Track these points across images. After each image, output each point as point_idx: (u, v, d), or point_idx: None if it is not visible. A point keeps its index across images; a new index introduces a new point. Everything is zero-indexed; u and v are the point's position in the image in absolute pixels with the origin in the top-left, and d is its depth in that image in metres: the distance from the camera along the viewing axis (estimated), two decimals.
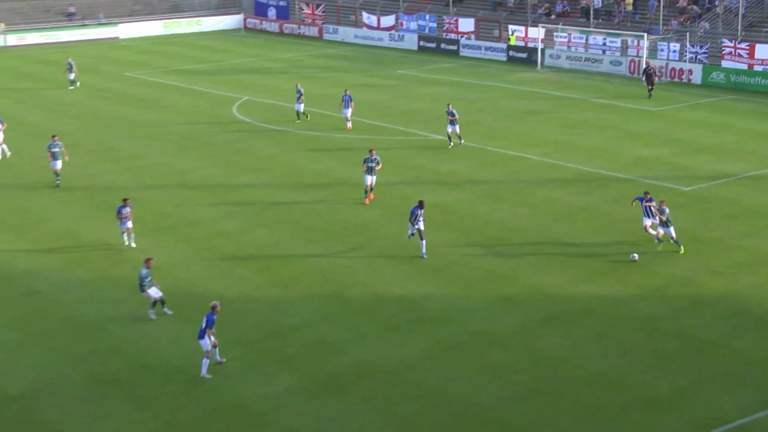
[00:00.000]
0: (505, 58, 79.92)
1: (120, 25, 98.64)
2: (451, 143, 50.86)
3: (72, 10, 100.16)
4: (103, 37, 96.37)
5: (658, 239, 36.03)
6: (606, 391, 25.99)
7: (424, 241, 35.22)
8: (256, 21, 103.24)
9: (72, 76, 70.28)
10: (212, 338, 27.11)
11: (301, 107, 57.67)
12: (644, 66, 66.93)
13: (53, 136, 45.19)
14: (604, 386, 26.22)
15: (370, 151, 41.77)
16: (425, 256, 35.12)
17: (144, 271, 30.61)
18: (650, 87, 63.19)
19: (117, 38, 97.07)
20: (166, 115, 60.95)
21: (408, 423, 24.64)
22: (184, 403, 25.76)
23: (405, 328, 30.03)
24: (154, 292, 30.73)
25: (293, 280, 33.87)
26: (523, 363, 27.55)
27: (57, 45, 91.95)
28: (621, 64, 72.66)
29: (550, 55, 76.82)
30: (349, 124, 55.49)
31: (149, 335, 29.60)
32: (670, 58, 70.82)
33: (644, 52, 70.13)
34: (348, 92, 55.82)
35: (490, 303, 31.59)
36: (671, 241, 35.42)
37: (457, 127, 50.32)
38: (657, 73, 65.22)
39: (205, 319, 27.12)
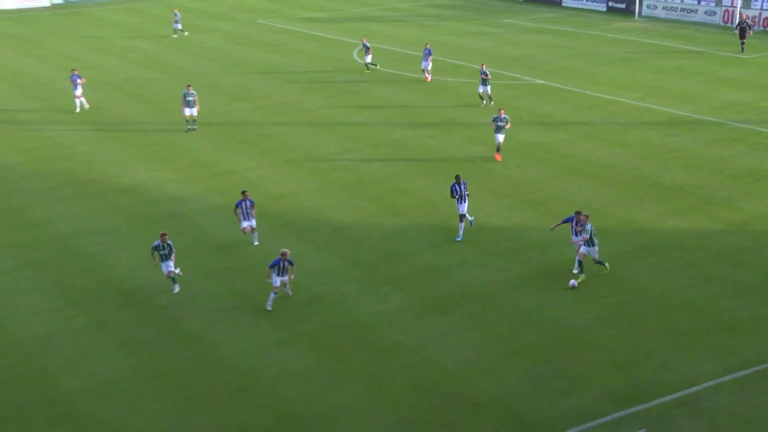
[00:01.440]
0: (604, 9, 77.91)
1: None
2: (483, 102, 47.66)
3: None
4: None
5: (579, 265, 28.00)
6: (690, 317, 25.59)
7: (462, 224, 31.34)
8: None
9: (179, 26, 70.88)
10: (283, 277, 26.64)
11: (369, 58, 56.45)
12: (738, 19, 64.45)
13: (188, 86, 45.09)
14: (689, 313, 25.82)
15: (499, 110, 39.48)
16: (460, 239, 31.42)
17: (155, 243, 27.73)
18: (743, 41, 60.75)
19: None
20: (294, 59, 61.28)
21: (505, 340, 24.70)
22: (305, 317, 26.25)
23: (505, 255, 29.96)
24: (165, 267, 27.78)
25: (405, 210, 34.01)
26: (613, 289, 27.26)
27: None
28: (715, 14, 70.18)
29: (648, 6, 74.60)
30: (428, 76, 53.57)
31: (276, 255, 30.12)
32: (763, 7, 68.07)
33: (738, 2, 67.55)
34: (428, 46, 54.09)
35: None
36: (594, 262, 28.15)
37: (489, 87, 47.06)
38: (750, 27, 62.72)
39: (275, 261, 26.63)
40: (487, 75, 46.93)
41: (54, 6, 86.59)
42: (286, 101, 50.32)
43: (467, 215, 31.43)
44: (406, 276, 28.66)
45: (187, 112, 44.45)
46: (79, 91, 48.42)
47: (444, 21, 75.64)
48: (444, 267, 29.17)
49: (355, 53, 62.45)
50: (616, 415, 21.26)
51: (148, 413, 21.88)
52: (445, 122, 44.99)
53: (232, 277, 28.90)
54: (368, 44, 56.90)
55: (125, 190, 36.99)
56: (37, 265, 30.00)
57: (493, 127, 39.12)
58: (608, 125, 43.98)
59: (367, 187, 36.66)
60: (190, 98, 44.35)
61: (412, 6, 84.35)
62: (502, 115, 38.82)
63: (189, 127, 44.75)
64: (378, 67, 56.89)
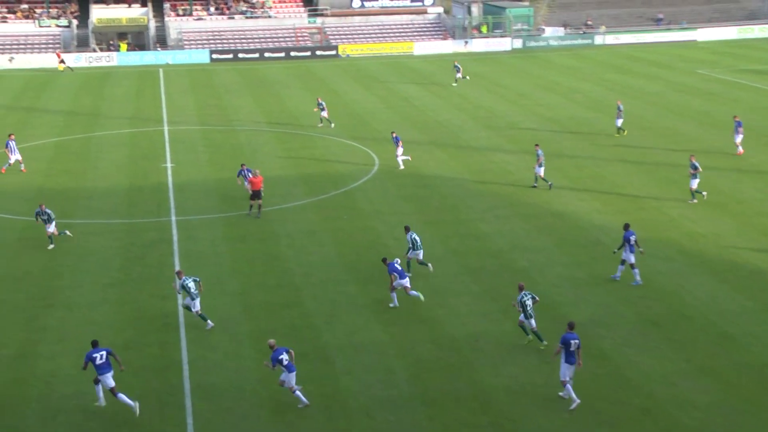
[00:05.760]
0: None
1: (698, 29, 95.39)
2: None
3: (660, 16, 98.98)
4: (682, 40, 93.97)
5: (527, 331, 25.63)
6: None
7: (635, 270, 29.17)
8: None
9: (460, 75, 70.00)
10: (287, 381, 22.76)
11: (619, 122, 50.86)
12: None
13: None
14: None
15: None
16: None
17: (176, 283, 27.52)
18: None
19: (694, 41, 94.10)
20: (729, 108, 58.05)
21: None
22: (714, 353, 24.71)
23: None
24: (190, 303, 27.00)
25: None
26: None
27: (642, 45, 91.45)
28: None
29: None
30: (739, 149, 45.95)
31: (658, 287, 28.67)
32: None
33: None
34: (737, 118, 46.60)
35: None
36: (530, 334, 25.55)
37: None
38: None
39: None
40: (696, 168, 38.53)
41: (514, 50, 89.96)
42: (712, 146, 47.79)
43: None
44: None
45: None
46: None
47: None
48: None
49: None
50: None
51: (555, 418, 21.84)
52: None
53: (646, 306, 27.98)
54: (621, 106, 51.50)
55: (556, 214, 37.34)
56: (474, 273, 31.22)
57: None
58: None
59: None
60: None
61: None
62: None
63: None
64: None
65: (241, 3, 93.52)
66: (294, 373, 22.52)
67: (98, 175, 44.34)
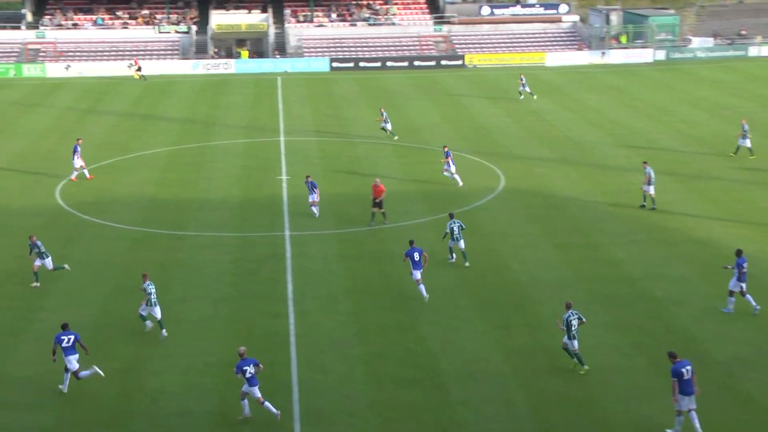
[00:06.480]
0: None
1: None
2: None
3: None
4: None
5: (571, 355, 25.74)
6: None
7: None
8: None
9: (527, 89, 68.62)
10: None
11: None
12: None
13: None
14: None
15: None
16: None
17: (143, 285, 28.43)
18: None
19: None
20: None
21: None
22: None
23: None
24: (147, 309, 28.35)
25: None
26: None
27: None
28: None
29: None
30: None
31: None
32: None
33: None
34: None
35: None
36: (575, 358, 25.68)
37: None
38: None
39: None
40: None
41: (656, 62, 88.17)
42: None
43: None
44: None
45: None
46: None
47: None
48: None
49: None
50: None
51: None
52: None
53: None
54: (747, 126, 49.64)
55: (698, 241, 36.34)
56: (605, 302, 30.66)
57: None
58: None
59: None
60: None
61: None
62: None
63: None
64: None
65: (364, 9, 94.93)
66: (256, 387, 23.12)
67: (211, 186, 45.65)
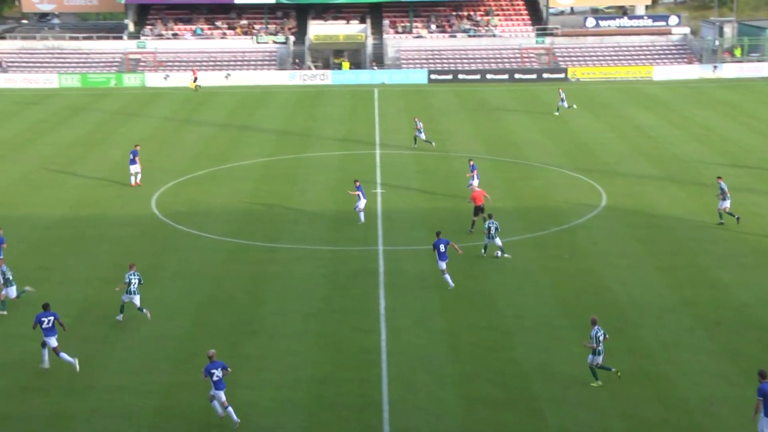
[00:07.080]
0: None
1: None
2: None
3: None
4: None
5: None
6: None
7: None
8: None
9: (565, 104, 68.03)
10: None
11: None
12: None
13: None
14: None
15: None
16: None
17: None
18: None
19: None
20: None
21: None
22: None
23: None
24: (128, 298, 30.37)
25: None
26: None
27: None
28: None
29: None
30: None
31: None
32: None
33: None
34: None
35: None
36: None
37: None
38: None
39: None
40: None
41: None
42: None
43: None
44: None
45: None
46: None
47: None
48: None
49: None
50: None
51: None
52: None
53: None
54: None
55: None
56: (711, 328, 29.96)
57: None
58: None
59: None
60: None
61: None
62: None
63: None
64: None
65: (465, 20, 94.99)
66: (222, 391, 24.03)
67: (305, 198, 46.21)
